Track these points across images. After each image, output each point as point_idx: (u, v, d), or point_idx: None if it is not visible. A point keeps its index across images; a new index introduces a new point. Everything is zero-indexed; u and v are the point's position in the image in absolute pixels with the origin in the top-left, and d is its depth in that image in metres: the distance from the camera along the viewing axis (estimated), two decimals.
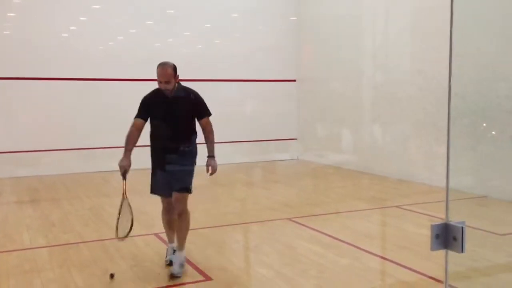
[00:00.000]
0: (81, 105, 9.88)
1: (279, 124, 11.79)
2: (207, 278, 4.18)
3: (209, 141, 4.39)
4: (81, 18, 10.07)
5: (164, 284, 4.04)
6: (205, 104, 4.40)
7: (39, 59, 9.65)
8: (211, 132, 4.42)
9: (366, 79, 9.99)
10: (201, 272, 4.31)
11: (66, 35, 10.00)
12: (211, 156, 4.40)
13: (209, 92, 10.91)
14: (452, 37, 1.76)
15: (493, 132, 7.24)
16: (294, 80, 11.96)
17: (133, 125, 4.22)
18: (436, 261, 4.19)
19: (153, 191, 4.39)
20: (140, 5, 10.42)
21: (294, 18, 11.86)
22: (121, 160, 4.11)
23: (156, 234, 5.37)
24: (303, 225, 5.86)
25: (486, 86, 7.17)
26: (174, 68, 4.22)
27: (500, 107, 7.00)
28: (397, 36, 9.14)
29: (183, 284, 4.05)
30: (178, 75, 4.25)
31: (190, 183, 4.32)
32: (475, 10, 6.15)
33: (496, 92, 7.03)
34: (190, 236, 5.44)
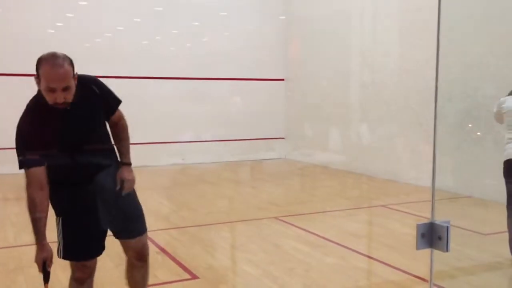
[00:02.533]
0: None
1: (266, 123, 11.80)
2: (194, 276, 4.16)
3: (124, 139, 2.82)
4: (68, 15, 9.97)
5: (150, 283, 4.01)
6: (112, 92, 2.76)
7: (24, 55, 9.48)
8: (126, 127, 2.84)
9: (354, 79, 10.03)
10: (187, 270, 4.30)
11: (53, 31, 9.90)
12: (127, 163, 2.80)
13: (197, 90, 11.02)
14: (439, 37, 1.78)
15: (478, 133, 7.31)
16: (283, 79, 11.97)
17: (32, 183, 2.50)
18: (421, 260, 4.22)
19: (80, 256, 2.77)
20: (127, 2, 10.34)
21: (283, 17, 11.87)
22: (37, 253, 2.56)
23: None
24: (289, 224, 5.87)
25: (472, 87, 7.24)
26: (71, 62, 2.52)
27: (485, 107, 7.06)
28: (385, 35, 9.18)
29: (170, 282, 4.03)
30: (76, 72, 2.53)
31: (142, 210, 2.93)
32: (462, 11, 6.21)
33: (482, 93, 7.10)
34: (177, 234, 5.44)
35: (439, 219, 1.75)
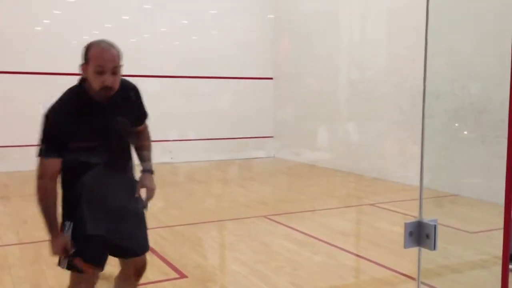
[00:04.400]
0: (53, 99, 9.68)
1: (255, 122, 11.80)
2: (182, 275, 4.15)
3: (147, 148, 2.84)
4: (55, 11, 9.88)
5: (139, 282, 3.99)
6: (144, 104, 2.78)
7: (11, 52, 9.44)
8: (150, 137, 2.88)
9: (342, 77, 10.07)
10: (175, 269, 4.28)
11: (40, 28, 9.81)
12: (150, 171, 2.79)
13: (186, 89, 10.99)
14: (427, 37, 1.78)
15: (465, 132, 7.38)
16: (271, 78, 11.98)
17: (47, 173, 2.45)
18: (408, 258, 4.25)
19: (95, 261, 2.59)
20: None
21: (272, 16, 11.87)
22: (54, 242, 2.46)
23: None
24: (278, 222, 5.88)
25: (459, 86, 7.30)
26: (119, 51, 2.49)
27: (472, 106, 7.13)
28: (373, 34, 9.22)
29: (158, 282, 4.01)
30: (122, 64, 2.49)
31: None
32: (450, 10, 6.24)
33: (469, 92, 7.16)
34: (166, 233, 5.41)
35: (426, 218, 1.76)
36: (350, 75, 9.87)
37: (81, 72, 2.45)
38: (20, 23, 9.52)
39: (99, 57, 2.36)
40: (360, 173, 9.25)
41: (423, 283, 3.71)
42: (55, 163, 2.43)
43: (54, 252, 2.48)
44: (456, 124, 7.43)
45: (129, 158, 2.71)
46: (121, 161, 2.65)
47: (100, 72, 2.35)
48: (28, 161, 9.62)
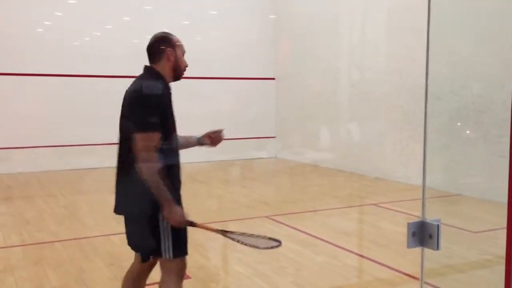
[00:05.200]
0: (55, 101, 9.71)
1: (257, 122, 11.80)
2: (185, 276, 4.15)
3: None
4: (57, 13, 9.90)
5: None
6: None
7: (13, 54, 9.46)
8: None
9: (344, 78, 10.07)
10: None
11: (41, 30, 9.83)
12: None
13: (187, 89, 10.96)
14: (429, 37, 1.78)
15: (467, 131, 7.37)
16: (273, 78, 11.98)
17: (153, 147, 2.44)
18: (411, 258, 4.25)
19: (186, 250, 2.80)
20: (116, 0, 10.29)
21: (273, 16, 11.88)
22: (177, 210, 2.63)
23: None
24: (280, 223, 5.88)
25: (460, 86, 7.30)
26: None
27: (473, 106, 7.12)
28: (374, 34, 9.22)
29: None
30: None
31: None
32: (450, 10, 6.25)
33: (470, 92, 7.16)
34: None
35: (429, 218, 1.75)
36: (351, 75, 9.87)
37: (169, 56, 2.66)
38: (21, 25, 9.54)
39: (181, 43, 2.74)
40: (362, 173, 9.25)
41: (426, 283, 3.71)
42: (158, 136, 2.45)
43: (179, 220, 2.60)
44: (458, 124, 7.42)
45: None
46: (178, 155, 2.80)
47: (184, 55, 2.75)
48: (29, 162, 9.74)
